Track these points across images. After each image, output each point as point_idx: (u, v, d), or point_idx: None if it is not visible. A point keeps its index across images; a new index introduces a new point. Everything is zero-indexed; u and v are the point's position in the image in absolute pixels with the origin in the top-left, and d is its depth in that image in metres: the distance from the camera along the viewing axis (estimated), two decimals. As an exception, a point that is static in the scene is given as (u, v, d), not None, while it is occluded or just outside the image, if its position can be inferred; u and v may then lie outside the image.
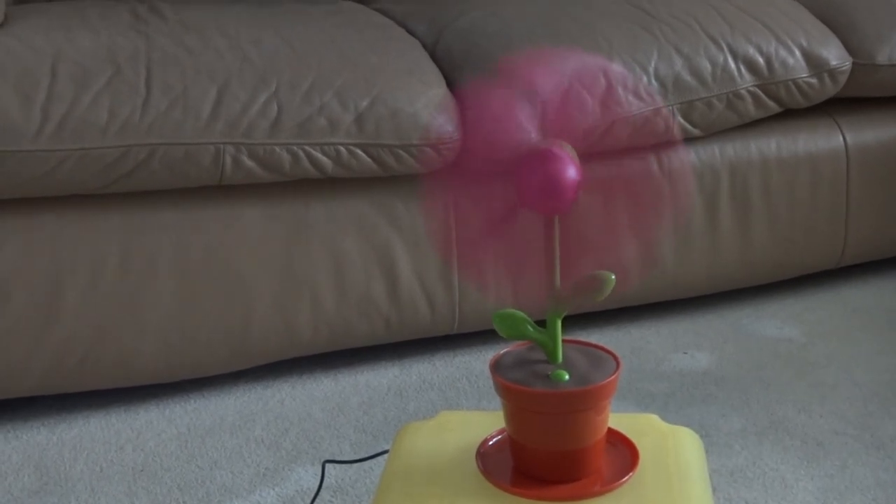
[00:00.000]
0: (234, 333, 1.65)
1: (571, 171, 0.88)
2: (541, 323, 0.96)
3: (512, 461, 0.98)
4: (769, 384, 1.71)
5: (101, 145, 1.50)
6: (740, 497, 1.41)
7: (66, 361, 1.59)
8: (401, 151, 1.63)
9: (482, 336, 1.83)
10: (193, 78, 1.57)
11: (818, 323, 1.92)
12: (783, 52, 1.85)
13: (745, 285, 2.00)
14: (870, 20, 1.96)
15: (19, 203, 1.53)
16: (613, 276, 0.92)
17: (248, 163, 1.57)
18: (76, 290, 1.57)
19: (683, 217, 1.85)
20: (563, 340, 0.97)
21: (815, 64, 1.87)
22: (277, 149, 1.57)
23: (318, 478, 1.43)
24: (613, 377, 0.94)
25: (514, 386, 0.93)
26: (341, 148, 1.60)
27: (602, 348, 0.99)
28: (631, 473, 0.97)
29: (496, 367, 0.96)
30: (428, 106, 1.64)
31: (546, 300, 0.94)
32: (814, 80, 1.87)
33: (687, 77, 1.79)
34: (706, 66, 1.80)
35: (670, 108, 1.78)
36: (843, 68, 1.89)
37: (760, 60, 1.83)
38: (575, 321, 1.81)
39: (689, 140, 1.84)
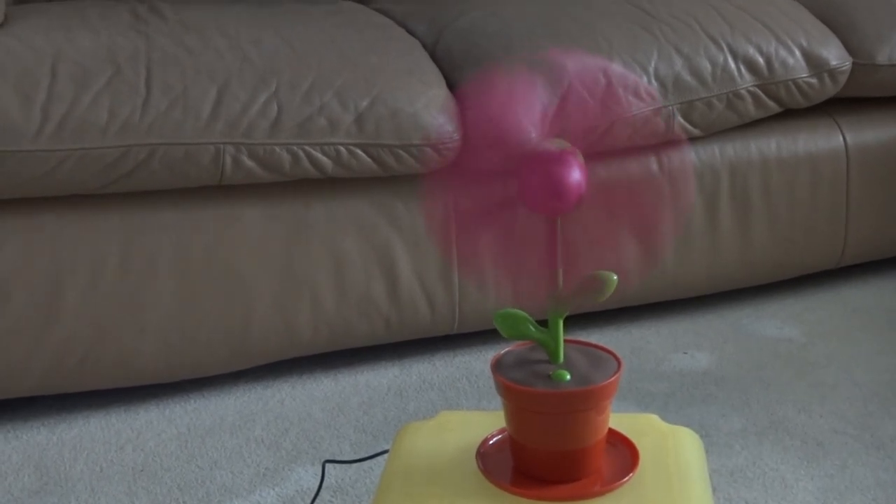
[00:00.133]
0: (234, 333, 1.65)
1: (574, 172, 0.88)
2: (542, 323, 0.96)
3: (512, 461, 0.98)
4: (769, 384, 1.71)
5: (101, 145, 1.50)
6: (740, 497, 1.41)
7: (66, 361, 1.59)
8: (401, 151, 1.63)
9: (482, 336, 1.83)
10: (193, 78, 1.57)
11: (818, 323, 1.92)
12: (783, 52, 1.85)
13: (745, 285, 2.00)
14: (870, 20, 1.96)
15: (19, 203, 1.53)
16: (615, 277, 0.92)
17: (248, 163, 1.57)
18: (76, 290, 1.57)
19: (684, 217, 1.85)
20: (565, 340, 0.97)
21: (815, 64, 1.87)
22: (277, 149, 1.57)
23: (318, 478, 1.43)
24: (614, 377, 0.94)
25: (515, 386, 0.93)
26: (341, 148, 1.60)
27: (603, 348, 0.99)
28: (631, 473, 0.97)
29: (497, 366, 0.96)
30: (428, 106, 1.64)
31: (547, 300, 0.94)
32: (814, 80, 1.87)
33: (687, 77, 1.79)
34: (706, 66, 1.80)
35: (670, 108, 1.78)
36: (843, 68, 1.89)
37: (760, 60, 1.83)
38: (575, 321, 1.81)
39: (689, 140, 1.84)
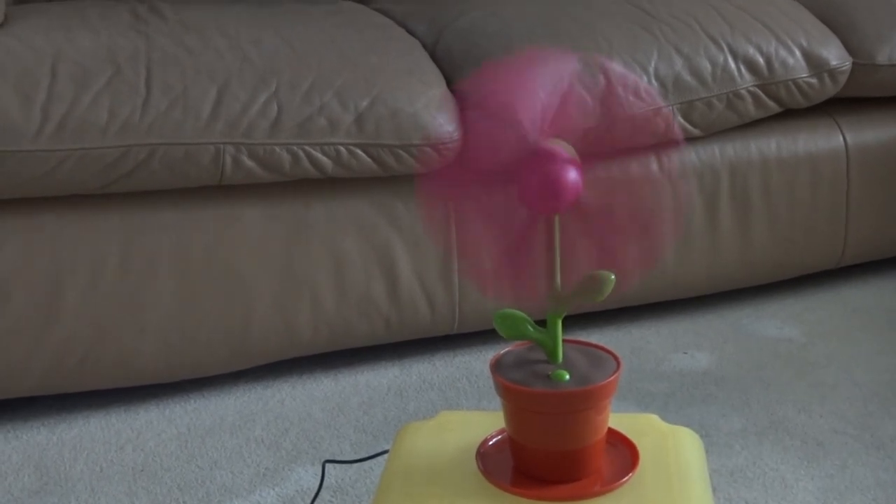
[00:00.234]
0: (234, 333, 1.65)
1: (572, 172, 0.88)
2: (541, 323, 0.96)
3: (512, 461, 0.98)
4: (769, 384, 1.71)
5: (101, 145, 1.50)
6: (740, 497, 1.41)
7: (66, 361, 1.59)
8: (401, 151, 1.63)
9: (482, 336, 1.83)
10: (193, 78, 1.57)
11: (818, 323, 1.92)
12: (783, 52, 1.85)
13: (745, 285, 2.00)
14: (870, 20, 1.96)
15: (19, 203, 1.53)
16: (613, 276, 0.92)
17: (248, 163, 1.57)
18: (76, 290, 1.57)
19: (683, 215, 1.85)
20: (564, 340, 0.97)
21: (815, 64, 1.87)
22: (277, 149, 1.57)
23: (318, 478, 1.43)
24: (614, 377, 0.94)
25: (514, 386, 0.93)
26: (341, 148, 1.60)
27: (602, 348, 0.99)
28: (631, 473, 0.97)
29: (496, 366, 0.96)
30: (428, 106, 1.64)
31: (546, 300, 0.94)
32: (814, 80, 1.87)
33: (687, 77, 1.79)
34: (706, 66, 1.80)
35: (670, 108, 1.78)
36: (843, 68, 1.89)
37: (760, 60, 1.83)
38: (575, 321, 1.81)
39: (689, 140, 1.84)
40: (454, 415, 1.09)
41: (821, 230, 1.98)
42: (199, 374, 1.68)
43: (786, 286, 2.04)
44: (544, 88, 0.89)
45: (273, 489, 1.45)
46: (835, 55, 1.88)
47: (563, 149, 0.89)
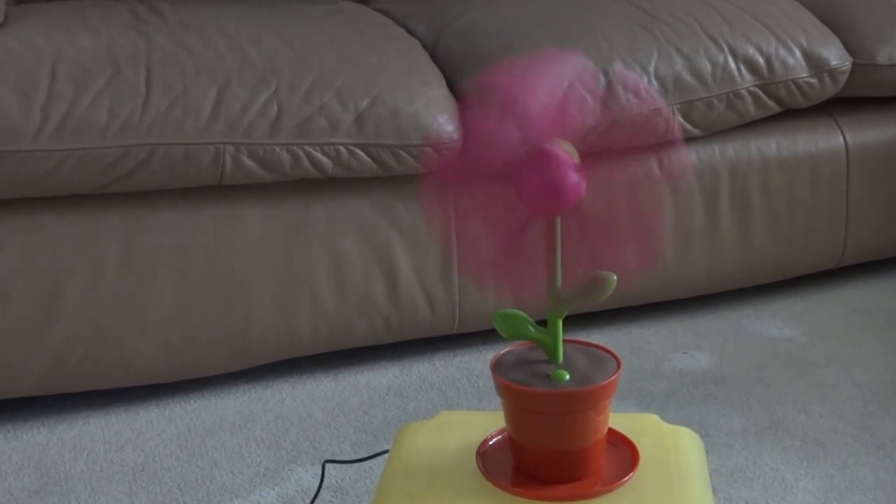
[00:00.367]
0: (234, 333, 1.65)
1: (573, 172, 0.88)
2: (541, 323, 0.96)
3: (512, 461, 0.98)
4: (769, 384, 1.71)
5: (101, 145, 1.50)
6: (740, 497, 1.41)
7: (66, 361, 1.59)
8: (401, 151, 1.63)
9: (482, 336, 1.83)
10: (193, 78, 1.57)
11: (818, 323, 1.92)
12: (783, 52, 1.85)
13: (745, 285, 2.00)
14: (870, 20, 1.96)
15: (19, 203, 1.53)
16: (615, 277, 0.92)
17: (248, 163, 1.57)
18: (76, 290, 1.57)
19: (683, 215, 1.85)
20: (564, 340, 0.97)
21: (815, 64, 1.87)
22: (277, 149, 1.57)
23: (318, 478, 1.43)
24: (614, 377, 0.94)
25: (514, 386, 0.93)
26: (341, 148, 1.60)
27: (603, 348, 0.99)
28: (631, 473, 0.97)
29: (497, 366, 0.96)
30: (428, 106, 1.64)
31: (547, 300, 0.94)
32: (814, 80, 1.87)
33: (687, 77, 1.79)
34: (706, 66, 1.80)
35: (670, 108, 1.78)
36: (843, 68, 1.89)
37: (760, 60, 1.83)
38: (575, 321, 1.81)
39: (689, 140, 1.84)
40: (454, 415, 1.09)
41: (821, 230, 1.98)
42: (199, 374, 1.68)
43: (786, 286, 2.04)
44: (545, 89, 0.89)
45: (273, 489, 1.45)
46: (835, 55, 1.88)
47: (564, 149, 0.89)
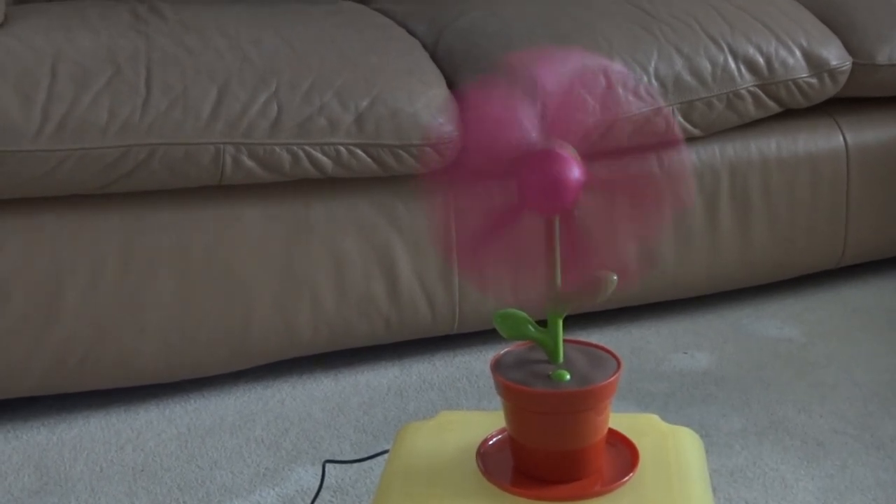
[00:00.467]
0: (234, 333, 1.65)
1: (573, 172, 0.88)
2: (541, 323, 0.96)
3: (512, 461, 0.98)
4: (769, 384, 1.71)
5: (101, 145, 1.50)
6: (740, 497, 1.41)
7: (66, 361, 1.59)
8: (401, 151, 1.63)
9: (482, 336, 1.83)
10: (193, 78, 1.57)
11: (818, 323, 1.92)
12: (783, 52, 1.85)
13: (745, 285, 2.00)
14: (870, 20, 1.96)
15: (19, 203, 1.53)
16: (615, 277, 0.92)
17: (248, 163, 1.57)
18: (76, 290, 1.57)
19: (681, 213, 1.85)
20: (564, 340, 0.97)
21: (815, 64, 1.87)
22: (277, 149, 1.57)
23: (318, 478, 1.43)
24: (614, 377, 0.94)
25: (514, 386, 0.93)
26: (341, 148, 1.60)
27: (603, 348, 0.99)
28: (631, 473, 0.97)
29: (497, 366, 0.96)
30: (428, 106, 1.64)
31: (547, 300, 0.94)
32: (814, 80, 1.87)
33: (687, 77, 1.79)
34: (706, 66, 1.80)
35: (670, 108, 1.78)
36: (843, 68, 1.89)
37: (760, 60, 1.83)
38: (575, 321, 1.81)
39: (689, 140, 1.84)
40: (454, 415, 1.09)
41: (821, 230, 1.98)
42: (199, 374, 1.68)
43: (786, 286, 2.04)
44: (545, 89, 0.89)
45: (273, 489, 1.45)
46: (835, 55, 1.88)
47: (564, 149, 0.89)
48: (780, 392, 1.68)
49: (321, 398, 1.69)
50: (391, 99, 1.63)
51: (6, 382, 1.58)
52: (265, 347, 1.69)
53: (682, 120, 1.79)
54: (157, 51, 1.61)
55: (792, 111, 1.91)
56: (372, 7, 2.02)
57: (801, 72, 1.86)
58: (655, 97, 1.75)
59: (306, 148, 1.59)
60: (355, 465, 1.47)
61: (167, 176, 1.55)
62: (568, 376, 0.94)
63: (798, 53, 1.86)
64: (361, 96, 1.62)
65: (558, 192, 0.88)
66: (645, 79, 1.76)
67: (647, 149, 0.95)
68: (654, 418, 1.07)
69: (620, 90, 1.71)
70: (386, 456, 1.07)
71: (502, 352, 0.98)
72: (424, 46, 1.82)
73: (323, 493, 1.42)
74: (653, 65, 1.78)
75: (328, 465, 1.46)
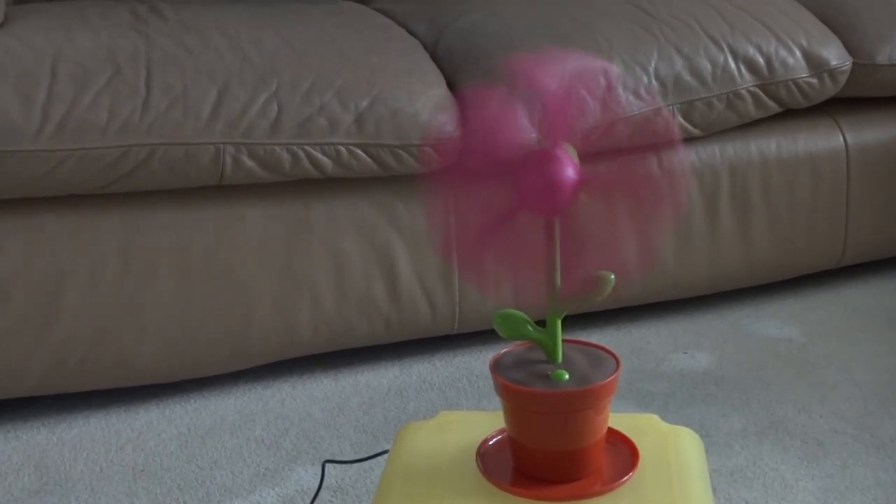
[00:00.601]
0: (234, 333, 1.65)
1: (570, 172, 0.88)
2: (541, 323, 0.96)
3: (512, 461, 0.98)
4: (769, 384, 1.71)
5: (101, 145, 1.50)
6: (740, 497, 1.41)
7: (66, 361, 1.59)
8: (401, 151, 1.63)
9: (482, 336, 1.83)
10: (193, 78, 1.57)
11: (818, 323, 1.92)
12: (783, 52, 1.85)
13: (745, 285, 2.00)
14: (870, 20, 1.96)
15: (19, 203, 1.53)
16: (613, 277, 0.92)
17: (248, 163, 1.57)
18: (76, 290, 1.57)
19: (680, 215, 1.85)
20: (563, 340, 0.97)
21: (815, 64, 1.87)
22: (277, 149, 1.57)
23: (318, 478, 1.43)
24: (613, 377, 0.94)
25: (514, 386, 0.93)
26: (341, 148, 1.60)
27: (602, 348, 0.99)
28: (631, 473, 0.97)
29: (496, 366, 0.96)
30: (428, 106, 1.64)
31: (546, 300, 0.94)
32: (814, 80, 1.87)
33: (687, 77, 1.79)
34: (706, 66, 1.80)
35: (670, 108, 1.78)
36: (843, 68, 1.89)
37: (760, 60, 1.83)
38: (575, 321, 1.81)
39: (689, 140, 1.84)
40: (454, 415, 1.09)
41: (821, 230, 1.98)
42: (199, 374, 1.68)
43: (786, 286, 2.04)
44: (545, 89, 0.89)
45: (273, 489, 1.45)
46: (835, 55, 1.88)
47: (562, 149, 0.89)
48: (780, 392, 1.68)
49: (321, 398, 1.69)
50: (391, 99, 1.63)
51: (6, 382, 1.58)
52: (265, 347, 1.69)
53: (682, 120, 1.79)
54: (157, 51, 1.61)
55: (792, 111, 1.91)
56: (372, 7, 2.02)
57: (801, 72, 1.86)
58: (655, 97, 1.75)
59: (306, 148, 1.59)
60: (355, 465, 1.47)
61: (167, 176, 1.55)
62: (567, 376, 0.94)
63: (798, 53, 1.86)
64: (361, 96, 1.62)
65: (554, 193, 0.88)
66: (645, 79, 1.76)
67: (646, 149, 0.95)
68: (654, 418, 1.07)
69: (620, 90, 1.71)
70: (386, 456, 1.07)
71: (502, 352, 0.98)
72: (424, 46, 1.82)
73: (323, 493, 1.42)
74: (653, 65, 1.78)
75: (328, 465, 1.46)
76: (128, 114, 1.52)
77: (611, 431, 0.99)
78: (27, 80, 1.51)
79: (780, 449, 1.52)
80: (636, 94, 1.75)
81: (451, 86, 1.71)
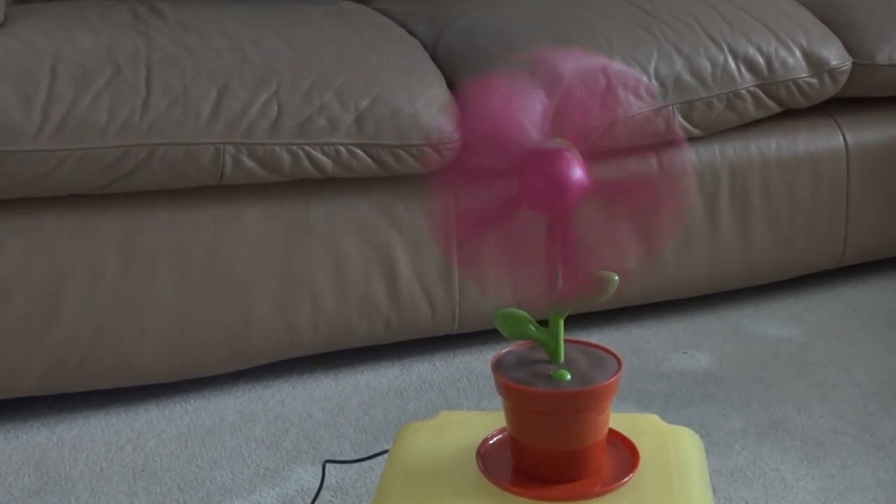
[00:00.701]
0: (234, 333, 1.65)
1: (576, 172, 0.88)
2: (542, 322, 0.96)
3: (512, 461, 0.98)
4: (769, 384, 1.71)
5: (101, 145, 1.50)
6: (740, 497, 1.41)
7: (66, 361, 1.59)
8: (401, 151, 1.63)
9: (482, 336, 1.83)
10: (193, 78, 1.57)
11: (818, 323, 1.92)
12: (783, 52, 1.85)
13: (745, 285, 2.00)
14: (870, 20, 1.96)
15: (19, 203, 1.53)
16: (616, 277, 0.92)
17: (248, 163, 1.57)
18: (76, 290, 1.57)
19: (684, 217, 1.85)
20: (565, 340, 0.97)
21: (815, 64, 1.87)
22: (277, 149, 1.57)
23: (318, 478, 1.43)
24: (615, 378, 0.94)
25: (515, 385, 0.93)
26: (341, 148, 1.60)
27: (603, 349, 0.99)
28: (631, 473, 0.97)
29: (498, 366, 0.96)
30: (428, 106, 1.64)
31: (548, 300, 0.94)
32: (814, 80, 1.87)
33: (687, 77, 1.79)
34: (706, 66, 1.80)
35: (670, 108, 1.78)
36: (843, 68, 1.89)
37: (760, 60, 1.83)
38: (575, 321, 1.80)
39: (689, 140, 1.84)
40: (454, 415, 1.09)
41: (821, 230, 1.98)
42: (199, 374, 1.68)
43: (786, 286, 2.04)
44: (546, 89, 0.89)
45: (273, 489, 1.45)
46: (835, 55, 1.88)
47: (567, 149, 0.89)
48: (780, 392, 1.68)
49: (321, 398, 1.69)
50: (391, 99, 1.63)
51: (6, 382, 1.58)
52: (265, 347, 1.69)
53: (682, 120, 1.79)
54: (157, 51, 1.61)
55: (792, 111, 1.91)
56: (372, 7, 2.02)
57: (801, 72, 1.86)
58: (656, 97, 1.75)
59: (306, 148, 1.59)
60: (355, 465, 1.47)
61: (167, 176, 1.55)
62: (569, 376, 0.94)
63: (798, 53, 1.86)
64: (361, 96, 1.62)
65: (560, 192, 0.88)
66: (645, 79, 1.76)
67: (647, 149, 0.96)
68: (654, 418, 1.07)
69: (621, 90, 1.71)
70: (386, 456, 1.07)
71: (503, 351, 0.98)
72: (424, 46, 1.82)
73: (323, 493, 1.42)
74: (653, 65, 1.78)
75: (328, 465, 1.46)
76: (128, 114, 1.52)
77: (611, 432, 0.99)
78: (27, 80, 1.51)
79: (780, 449, 1.52)
80: (636, 93, 1.75)
81: (451, 86, 1.71)
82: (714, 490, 1.40)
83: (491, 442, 1.02)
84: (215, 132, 1.55)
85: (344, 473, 1.47)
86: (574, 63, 0.91)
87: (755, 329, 1.90)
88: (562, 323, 0.96)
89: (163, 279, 1.60)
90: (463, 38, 1.82)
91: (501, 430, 1.03)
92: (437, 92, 1.67)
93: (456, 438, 1.03)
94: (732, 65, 1.82)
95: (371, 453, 1.47)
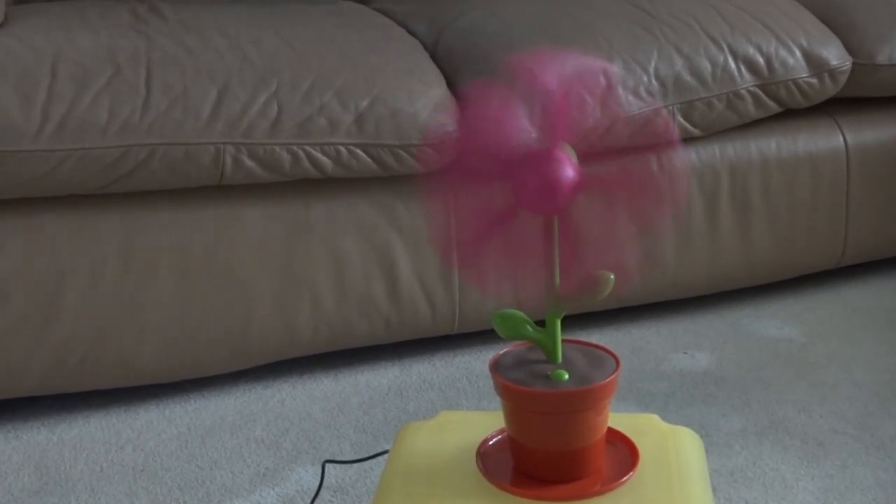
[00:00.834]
0: (234, 333, 1.65)
1: (568, 172, 0.88)
2: (540, 323, 0.96)
3: (512, 461, 0.98)
4: (769, 384, 1.71)
5: (101, 145, 1.50)
6: (740, 497, 1.41)
7: (66, 361, 1.59)
8: (401, 151, 1.63)
9: (482, 336, 1.83)
10: (193, 78, 1.57)
11: (818, 323, 1.92)
12: (783, 52, 1.85)
13: (745, 285, 2.00)
14: (870, 20, 1.96)
15: (19, 203, 1.53)
16: (613, 276, 0.92)
17: (248, 163, 1.57)
18: (76, 290, 1.57)
19: (679, 214, 1.85)
20: (563, 340, 0.97)
21: (815, 64, 1.87)
22: (277, 149, 1.57)
23: (318, 478, 1.43)
24: (613, 377, 0.94)
25: (513, 386, 0.93)
26: (341, 148, 1.60)
27: (602, 348, 0.99)
28: (631, 473, 0.97)
29: (496, 366, 0.96)
30: (428, 106, 1.64)
31: (545, 300, 0.94)
32: (814, 80, 1.87)
33: (687, 77, 1.79)
34: (706, 66, 1.80)
35: (670, 108, 1.78)
36: (843, 68, 1.89)
37: (760, 60, 1.83)
38: (575, 321, 1.81)
39: (689, 140, 1.84)
40: (454, 415, 1.09)
41: (821, 230, 1.98)
42: (199, 374, 1.68)
43: (786, 286, 2.04)
44: (545, 89, 0.89)
45: (273, 489, 1.45)
46: (835, 55, 1.88)
47: (561, 149, 0.89)
48: (780, 392, 1.68)
49: (321, 398, 1.69)
50: (391, 99, 1.63)
51: (6, 382, 1.58)
52: (265, 347, 1.69)
53: (682, 120, 1.79)
54: (157, 51, 1.61)
55: (792, 111, 1.91)
56: (372, 7, 2.02)
57: (801, 72, 1.86)
58: (655, 97, 1.75)
59: (306, 148, 1.59)
60: (355, 465, 1.47)
61: (167, 176, 1.55)
62: (567, 376, 0.94)
63: (798, 53, 1.86)
64: (361, 96, 1.62)
65: (552, 193, 0.88)
66: (645, 79, 1.76)
67: (645, 149, 0.95)
68: (654, 418, 1.07)
69: (620, 90, 1.71)
70: (386, 456, 1.07)
71: (501, 352, 0.98)
72: (424, 46, 1.82)
73: (323, 493, 1.42)
74: (653, 65, 1.78)
75: (328, 465, 1.46)
76: (128, 114, 1.52)
77: (611, 431, 0.99)
78: (27, 80, 1.51)
79: (780, 449, 1.52)
80: (636, 94, 1.75)
81: (451, 86, 1.71)
82: (714, 490, 1.40)
83: (491, 442, 1.02)
84: (215, 132, 1.55)
85: (344, 473, 1.47)
86: (572, 64, 0.91)
87: (755, 329, 1.90)
88: (559, 323, 0.96)
89: (163, 279, 1.60)
90: (463, 38, 1.82)
91: (501, 431, 1.03)
92: (437, 92, 1.67)
93: (456, 438, 1.03)
94: (732, 65, 1.82)
95: (371, 453, 1.47)
